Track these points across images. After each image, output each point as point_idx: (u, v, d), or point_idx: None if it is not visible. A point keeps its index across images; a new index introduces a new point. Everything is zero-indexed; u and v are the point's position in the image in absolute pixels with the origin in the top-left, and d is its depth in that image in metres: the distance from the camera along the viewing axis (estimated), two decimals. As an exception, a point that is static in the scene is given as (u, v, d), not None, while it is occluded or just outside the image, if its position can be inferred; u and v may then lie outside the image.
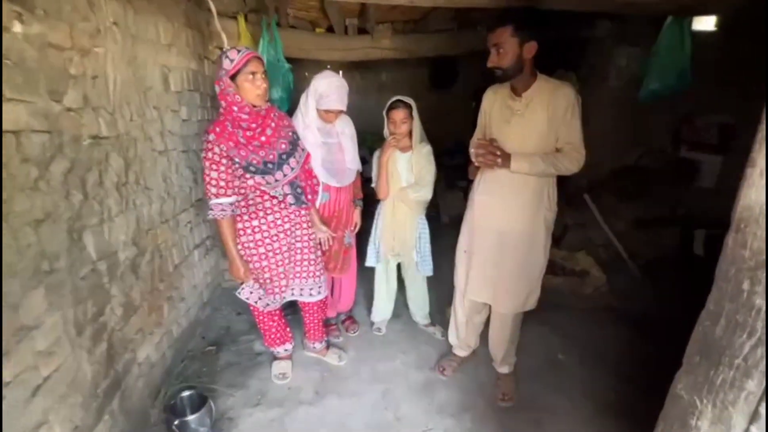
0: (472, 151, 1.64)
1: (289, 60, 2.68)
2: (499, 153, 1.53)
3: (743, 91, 2.75)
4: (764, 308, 0.39)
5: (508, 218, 1.65)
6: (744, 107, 2.80)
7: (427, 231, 2.14)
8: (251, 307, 1.84)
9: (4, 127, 0.97)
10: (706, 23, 2.91)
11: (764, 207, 0.39)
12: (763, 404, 0.41)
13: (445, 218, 4.19)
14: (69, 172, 1.21)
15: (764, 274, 0.39)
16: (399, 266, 2.29)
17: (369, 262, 2.21)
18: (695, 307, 2.11)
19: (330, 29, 3.02)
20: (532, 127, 1.56)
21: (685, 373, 0.50)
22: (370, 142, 3.88)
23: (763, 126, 0.40)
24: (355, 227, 2.13)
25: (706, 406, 0.47)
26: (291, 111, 2.20)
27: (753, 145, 0.42)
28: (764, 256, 0.39)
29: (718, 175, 3.07)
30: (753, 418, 0.42)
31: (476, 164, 1.63)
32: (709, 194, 3.06)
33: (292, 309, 2.42)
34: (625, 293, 2.76)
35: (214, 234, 2.62)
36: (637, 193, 3.26)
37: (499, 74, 1.53)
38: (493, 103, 1.68)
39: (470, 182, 1.83)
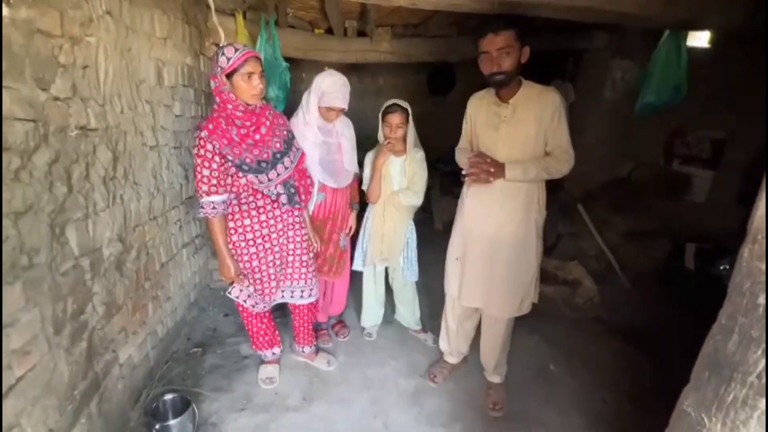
0: (464, 161, 1.63)
1: (286, 59, 2.66)
2: (492, 169, 1.53)
3: (735, 107, 2.81)
4: (781, 324, 0.38)
5: (500, 223, 1.64)
6: (735, 123, 2.86)
7: (414, 237, 2.12)
8: (240, 308, 1.80)
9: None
10: (700, 40, 2.96)
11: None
12: (778, 425, 0.39)
13: (438, 224, 4.18)
14: (54, 163, 1.16)
15: (783, 288, 0.37)
16: (387, 271, 2.26)
17: (356, 266, 2.17)
18: (685, 319, 2.08)
19: (329, 30, 3.01)
20: (521, 132, 1.56)
21: (694, 389, 0.48)
22: (366, 145, 3.86)
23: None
24: (350, 230, 2.10)
25: (715, 424, 0.45)
26: (287, 110, 2.17)
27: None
28: (782, 269, 0.37)
29: (709, 189, 3.10)
30: (767, 439, 0.40)
31: (471, 182, 1.62)
32: (701, 208, 3.09)
33: (281, 312, 2.37)
34: (616, 304, 2.77)
35: (204, 233, 2.57)
36: (630, 205, 3.28)
37: (500, 79, 1.50)
38: (479, 110, 1.67)
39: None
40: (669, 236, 2.99)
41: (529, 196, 1.61)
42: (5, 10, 0.99)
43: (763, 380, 0.40)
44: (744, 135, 2.81)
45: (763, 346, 0.39)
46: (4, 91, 0.98)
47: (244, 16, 2.59)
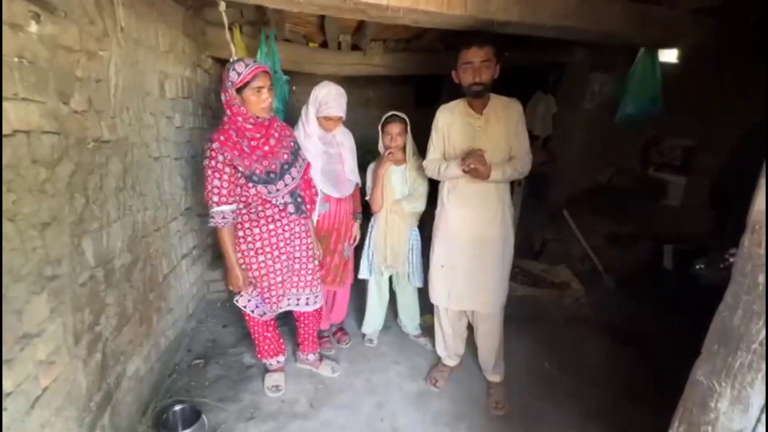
0: (456, 162, 1.68)
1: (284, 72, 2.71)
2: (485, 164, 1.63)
3: (703, 116, 3.03)
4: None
5: (486, 224, 1.76)
6: (704, 132, 3.08)
7: (419, 243, 2.20)
8: (246, 317, 1.81)
9: (17, 126, 0.95)
10: (669, 55, 3.19)
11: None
12: (779, 382, 0.47)
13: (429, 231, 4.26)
14: (73, 174, 1.18)
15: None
16: (390, 278, 2.31)
17: (362, 274, 2.22)
18: (666, 316, 2.22)
19: (324, 44, 3.09)
20: (495, 140, 1.70)
21: (704, 360, 0.56)
22: (358, 154, 3.91)
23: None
24: (354, 241, 2.14)
25: (725, 388, 0.53)
26: (286, 122, 2.21)
27: (765, 156, 0.49)
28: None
29: (683, 194, 3.31)
30: (769, 395, 0.48)
31: (470, 174, 1.65)
32: (676, 212, 3.29)
33: (282, 320, 2.38)
34: (602, 304, 2.91)
35: (200, 244, 2.57)
36: (611, 209, 3.46)
37: (479, 89, 1.64)
38: (453, 121, 1.77)
39: None
40: (649, 238, 3.17)
41: (502, 196, 1.76)
42: (34, 27, 1.02)
43: (764, 346, 0.48)
44: (712, 142, 3.03)
45: (764, 318, 0.48)
46: (33, 105, 1.00)
47: (241, 30, 2.63)
